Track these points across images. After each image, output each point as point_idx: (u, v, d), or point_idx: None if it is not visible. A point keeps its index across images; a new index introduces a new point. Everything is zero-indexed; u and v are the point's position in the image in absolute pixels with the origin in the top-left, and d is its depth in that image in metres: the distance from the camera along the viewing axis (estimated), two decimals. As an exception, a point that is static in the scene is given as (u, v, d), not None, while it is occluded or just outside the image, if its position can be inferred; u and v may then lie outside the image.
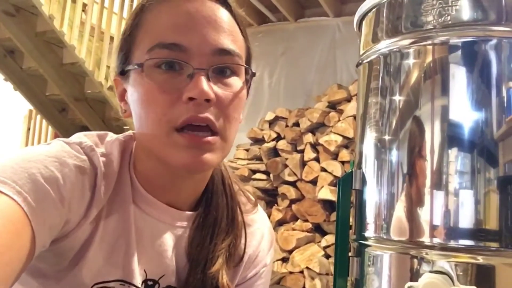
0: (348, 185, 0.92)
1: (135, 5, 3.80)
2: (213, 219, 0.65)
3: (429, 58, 0.83)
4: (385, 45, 0.89)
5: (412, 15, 0.86)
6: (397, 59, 0.88)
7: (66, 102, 3.88)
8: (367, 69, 0.95)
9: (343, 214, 0.93)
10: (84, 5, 3.48)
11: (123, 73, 0.60)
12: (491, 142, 0.78)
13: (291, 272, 3.33)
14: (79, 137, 0.61)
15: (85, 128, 4.03)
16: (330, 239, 3.34)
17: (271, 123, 3.83)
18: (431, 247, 0.77)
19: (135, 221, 0.61)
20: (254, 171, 3.86)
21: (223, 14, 0.58)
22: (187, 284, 0.63)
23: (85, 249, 0.57)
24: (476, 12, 0.81)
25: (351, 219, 0.94)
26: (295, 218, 3.62)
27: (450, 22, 0.82)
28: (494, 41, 0.80)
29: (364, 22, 0.99)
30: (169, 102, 0.54)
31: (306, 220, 3.54)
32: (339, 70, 4.05)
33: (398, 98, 0.87)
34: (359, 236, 0.89)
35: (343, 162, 3.42)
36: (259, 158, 3.79)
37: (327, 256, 3.32)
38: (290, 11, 4.06)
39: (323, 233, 3.48)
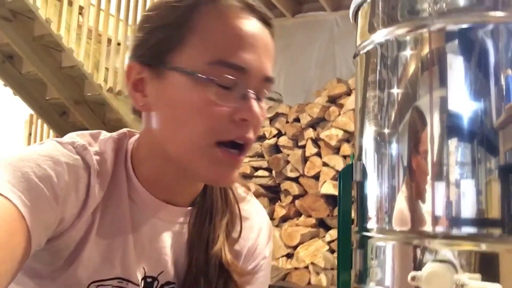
0: (348, 177, 0.91)
1: (132, 6, 3.81)
2: (210, 202, 0.66)
3: (426, 46, 0.83)
4: (382, 34, 0.88)
5: (407, 3, 0.85)
6: (394, 49, 0.87)
7: (66, 105, 3.88)
8: (364, 60, 0.94)
9: (345, 206, 0.92)
10: (81, 8, 3.48)
11: (151, 66, 0.58)
12: (491, 131, 0.78)
13: (296, 268, 3.33)
14: (71, 137, 0.61)
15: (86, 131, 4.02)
16: (334, 233, 3.34)
17: (272, 119, 3.83)
18: (434, 236, 0.76)
19: (133, 218, 0.61)
20: (256, 168, 3.86)
21: (270, 39, 0.60)
22: (189, 271, 0.63)
23: (80, 248, 0.57)
24: (472, -2, 0.81)
25: (353, 213, 0.93)
26: (298, 214, 3.62)
27: (446, 8, 0.81)
28: (490, 27, 0.79)
29: (360, 13, 0.98)
30: (221, 118, 0.55)
31: (310, 216, 3.53)
32: (338, 65, 4.04)
33: (396, 90, 0.86)
34: (361, 228, 0.89)
35: (344, 157, 3.42)
36: (260, 155, 3.79)
37: (332, 251, 3.32)
38: (287, 7, 4.05)
39: (327, 228, 3.48)
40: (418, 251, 0.78)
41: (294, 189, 3.65)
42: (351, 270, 0.89)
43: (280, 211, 3.59)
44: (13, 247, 0.47)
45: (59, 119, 4.18)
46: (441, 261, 0.73)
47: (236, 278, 0.63)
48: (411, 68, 0.85)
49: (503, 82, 0.79)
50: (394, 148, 0.84)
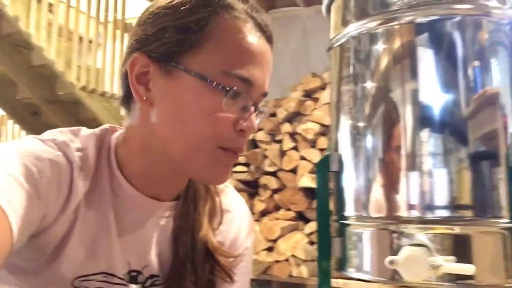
0: (325, 168, 0.93)
1: (103, 3, 3.74)
2: (193, 191, 0.68)
3: (397, 39, 0.85)
4: (354, 28, 0.90)
5: (378, -4, 0.88)
6: (366, 42, 0.89)
7: (38, 105, 3.80)
8: (338, 53, 0.96)
9: (323, 196, 0.94)
10: (50, 5, 3.40)
11: (162, 63, 0.58)
12: (460, 121, 0.81)
13: (277, 261, 3.36)
14: (51, 134, 0.60)
15: (59, 131, 3.94)
16: (313, 226, 3.38)
17: (249, 115, 3.82)
18: (409, 221, 0.79)
19: (117, 213, 0.61)
20: (235, 164, 3.85)
21: (272, 59, 0.64)
22: (174, 263, 0.64)
23: (64, 243, 0.57)
24: (440, -9, 0.83)
25: (331, 203, 0.95)
26: (277, 208, 3.65)
27: (415, 1, 0.84)
28: (457, 19, 0.82)
29: (333, 7, 1.00)
30: (226, 126, 0.57)
31: (289, 209, 3.57)
32: (313, 59, 4.08)
33: (369, 83, 0.88)
34: (340, 216, 0.91)
35: (321, 150, 3.46)
36: (238, 151, 3.79)
37: (312, 243, 3.37)
38: (261, 2, 4.05)
39: (306, 221, 3.52)
40: (395, 236, 0.80)
41: (273, 183, 3.67)
42: (331, 258, 0.92)
43: (259, 206, 3.61)
44: None
45: (31, 119, 4.08)
46: (416, 245, 0.76)
47: (222, 262, 0.65)
48: (383, 61, 0.87)
49: (470, 73, 0.82)
50: (369, 140, 0.87)
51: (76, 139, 0.61)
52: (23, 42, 3.33)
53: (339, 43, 0.95)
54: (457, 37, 0.82)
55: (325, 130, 3.49)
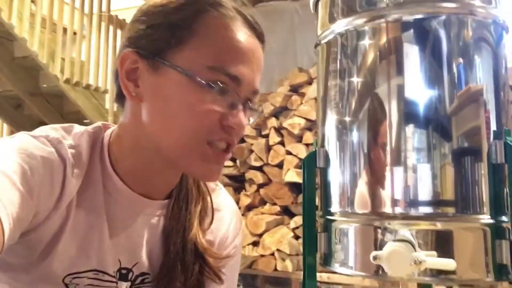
0: (312, 164, 0.94)
1: (87, -6, 3.67)
2: (185, 192, 0.69)
3: (383, 36, 0.86)
4: (342, 24, 0.91)
5: (366, -7, 0.88)
6: (353, 39, 0.90)
7: (21, 97, 3.74)
8: (325, 50, 0.97)
9: (309, 192, 0.95)
10: (33, -5, 3.34)
11: (149, 59, 0.59)
12: (444, 117, 0.82)
13: (262, 255, 3.38)
14: (44, 130, 0.60)
15: (43, 124, 3.88)
16: (298, 220, 3.41)
17: (235, 109, 3.82)
18: (393, 217, 0.80)
19: (108, 211, 0.61)
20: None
21: (262, 57, 0.65)
22: (164, 262, 0.64)
23: (55, 241, 0.57)
24: (426, -11, 0.84)
25: (317, 199, 0.96)
26: (263, 202, 3.66)
27: (401, 0, 0.84)
28: (443, 17, 0.83)
29: (320, 3, 1.00)
30: (212, 121, 0.58)
31: (275, 204, 3.58)
32: (299, 54, 4.09)
33: (356, 79, 0.89)
34: (325, 212, 0.92)
35: (307, 145, 3.48)
36: (224, 145, 3.79)
37: (297, 237, 3.39)
38: (247, -4, 4.04)
39: (292, 215, 3.54)
40: (379, 232, 0.81)
41: (259, 178, 3.68)
42: (316, 254, 0.93)
43: (245, 200, 3.62)
44: None
45: (14, 112, 4.02)
46: (400, 240, 0.77)
47: (211, 262, 0.65)
48: (370, 58, 0.88)
49: (455, 70, 0.83)
50: (355, 135, 0.88)
51: (69, 136, 0.61)
52: (5, 34, 3.27)
53: (327, 39, 0.95)
54: (442, 35, 0.83)
55: (311, 125, 3.51)
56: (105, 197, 0.60)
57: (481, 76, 0.84)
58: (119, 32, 3.91)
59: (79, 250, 0.59)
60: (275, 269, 3.35)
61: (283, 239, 3.33)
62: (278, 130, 3.67)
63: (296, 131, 3.51)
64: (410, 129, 0.82)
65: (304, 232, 0.94)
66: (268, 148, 3.67)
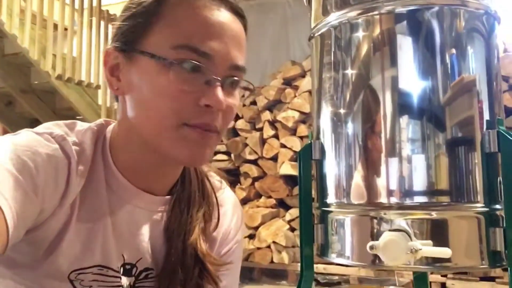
0: (308, 156, 0.95)
1: (78, -11, 3.64)
2: (188, 193, 0.68)
3: (377, 28, 0.86)
4: (335, 17, 0.91)
5: (359, -14, 0.88)
6: (347, 31, 0.90)
7: (13, 95, 3.71)
8: (319, 42, 0.97)
9: (305, 184, 0.96)
10: (23, -9, 3.31)
11: (125, 51, 0.59)
12: (438, 108, 0.82)
13: (258, 248, 3.40)
14: (48, 127, 0.60)
15: (35, 121, 3.87)
16: (294, 213, 3.43)
17: (228, 103, 3.83)
18: (389, 207, 0.81)
19: (111, 207, 0.61)
20: (215, 152, 3.86)
21: (241, 30, 0.62)
22: (167, 259, 0.65)
23: (60, 237, 0.57)
24: (419, -20, 0.85)
25: (313, 191, 0.97)
26: (258, 196, 3.68)
27: (394, -9, 0.85)
28: (436, 9, 0.84)
29: (313, -4, 1.00)
30: (186, 101, 0.56)
31: (270, 196, 3.60)
32: (292, 47, 4.09)
33: (350, 71, 0.89)
34: (322, 203, 0.93)
35: (301, 137, 3.49)
36: (218, 139, 3.80)
37: (292, 229, 3.41)
38: (239, -11, 4.02)
39: (287, 208, 3.56)
40: (375, 222, 0.82)
41: (253, 171, 3.69)
42: (313, 245, 0.93)
43: (240, 194, 3.63)
44: None
45: (5, 109, 3.99)
46: (396, 230, 0.78)
47: (210, 268, 0.65)
48: (364, 50, 0.88)
49: (448, 61, 0.84)
50: (350, 127, 0.88)
51: (72, 133, 0.61)
52: (-5, 30, 3.23)
53: (320, 32, 0.95)
54: (435, 26, 0.84)
55: (305, 118, 3.52)
56: (108, 193, 0.60)
57: (474, 66, 0.85)
58: (110, 27, 3.88)
59: (83, 246, 0.59)
60: (272, 261, 3.37)
61: (279, 231, 3.34)
62: (272, 123, 3.68)
63: (290, 124, 3.51)
64: (404, 120, 0.83)
65: (301, 224, 0.95)
66: (263, 141, 3.68)
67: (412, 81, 0.84)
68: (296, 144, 3.47)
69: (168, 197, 0.67)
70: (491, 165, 0.80)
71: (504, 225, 0.77)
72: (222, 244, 0.72)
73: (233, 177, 3.80)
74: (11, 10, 3.19)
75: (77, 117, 3.75)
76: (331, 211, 0.90)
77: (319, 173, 0.94)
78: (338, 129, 0.90)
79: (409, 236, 0.77)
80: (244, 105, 3.80)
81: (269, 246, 3.38)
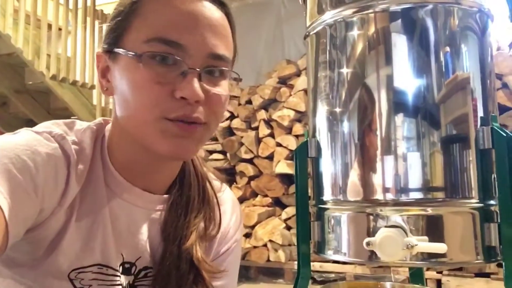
0: (304, 154, 0.95)
1: (71, -12, 3.63)
2: (186, 198, 0.68)
3: (372, 27, 0.87)
4: (330, 15, 0.92)
5: (353, -15, 0.89)
6: (342, 29, 0.91)
7: (7, 95, 3.69)
8: (314, 41, 0.97)
9: (301, 182, 0.96)
10: (17, -9, 3.29)
11: (111, 52, 0.60)
12: (433, 105, 0.83)
13: (255, 247, 3.40)
14: (47, 126, 0.60)
15: (29, 121, 3.85)
16: (290, 211, 3.43)
17: (224, 102, 3.83)
18: (385, 204, 0.82)
19: (110, 206, 0.61)
20: (211, 152, 3.87)
21: (221, 18, 0.60)
22: (163, 261, 0.65)
23: (60, 237, 0.57)
24: (413, -21, 0.85)
25: (309, 189, 0.97)
26: (254, 194, 3.68)
27: (389, -10, 0.85)
28: (430, 7, 0.84)
29: (308, -6, 1.01)
30: (162, 94, 0.56)
31: (266, 195, 3.60)
32: (287, 46, 4.09)
33: (345, 69, 0.90)
34: (318, 201, 0.93)
35: (297, 136, 3.50)
36: (214, 139, 3.80)
37: (289, 228, 3.42)
38: (234, -12, 4.02)
39: (283, 206, 3.57)
40: (371, 218, 0.83)
41: (249, 170, 3.70)
42: (310, 242, 0.94)
43: (236, 193, 3.63)
44: None
45: (-1, 110, 3.96)
46: (392, 226, 0.78)
47: (205, 275, 0.65)
48: (359, 48, 0.89)
49: (442, 59, 0.85)
50: (345, 125, 0.89)
51: (71, 132, 0.61)
52: (-12, 30, 3.21)
53: (316, 30, 0.96)
54: (429, 24, 0.85)
55: (300, 117, 3.53)
56: (107, 192, 0.61)
57: (468, 64, 0.86)
58: (104, 27, 3.87)
59: (83, 244, 0.59)
60: (268, 260, 3.38)
61: (275, 230, 3.35)
62: (268, 122, 3.68)
63: (285, 123, 3.52)
64: (399, 118, 0.84)
65: (298, 221, 0.96)
66: (258, 140, 3.68)
67: (406, 79, 0.85)
68: (291, 143, 3.48)
69: (166, 196, 0.67)
70: (485, 161, 0.81)
71: (499, 221, 0.78)
72: (221, 243, 0.72)
73: (229, 176, 3.80)
74: (4, 10, 3.17)
75: (72, 117, 3.73)
76: (327, 209, 0.91)
77: (315, 171, 0.95)
78: (334, 127, 0.91)
79: (405, 232, 0.78)
80: (239, 104, 3.80)
81: (265, 245, 3.39)
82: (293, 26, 3.91)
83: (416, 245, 0.74)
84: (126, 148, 0.62)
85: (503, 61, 3.14)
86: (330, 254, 0.89)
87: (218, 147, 3.81)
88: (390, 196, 0.82)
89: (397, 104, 0.84)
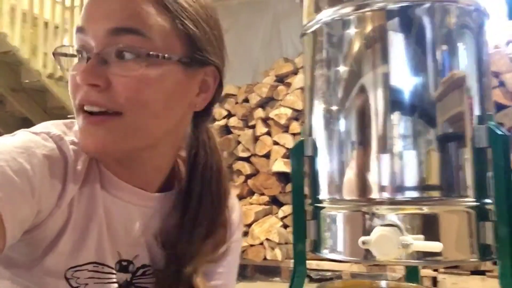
0: (300, 152, 0.95)
1: (68, -14, 3.61)
2: (192, 223, 0.65)
3: (369, 25, 0.87)
4: (327, 14, 0.91)
5: (350, -17, 0.89)
6: (339, 28, 0.90)
7: (3, 94, 3.67)
8: (311, 39, 0.97)
9: (298, 181, 0.96)
10: (12, -11, 3.27)
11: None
12: (429, 104, 0.83)
13: (251, 245, 3.40)
14: (46, 126, 0.60)
15: (26, 120, 3.83)
16: (287, 209, 3.44)
17: (221, 101, 3.83)
18: (381, 203, 0.82)
19: (105, 204, 0.61)
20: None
21: None
22: (161, 263, 0.65)
23: (58, 238, 0.57)
24: (410, -23, 0.85)
25: (305, 188, 0.97)
26: (251, 193, 3.68)
27: (385, -12, 0.85)
28: (427, 5, 0.84)
29: (305, -7, 1.00)
30: (74, 85, 0.56)
31: (263, 194, 3.60)
32: (284, 44, 4.09)
33: (342, 68, 0.90)
34: (314, 200, 0.93)
35: (294, 134, 3.50)
36: (211, 137, 3.80)
37: (285, 226, 3.42)
38: (231, -14, 4.01)
39: (280, 205, 3.57)
40: (367, 217, 0.83)
41: (246, 168, 3.69)
42: (306, 240, 0.94)
43: (233, 191, 3.63)
44: None
45: (-5, 109, 3.94)
46: (388, 225, 0.78)
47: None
48: (356, 46, 0.89)
49: (439, 57, 0.85)
50: (342, 124, 0.89)
51: (70, 132, 0.61)
52: (-16, 28, 3.20)
53: (312, 29, 0.96)
54: (426, 23, 0.85)
55: (297, 115, 3.52)
56: (102, 191, 0.60)
57: (464, 62, 0.86)
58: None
59: (79, 244, 0.58)
60: (265, 258, 3.38)
61: (272, 228, 3.35)
62: (265, 120, 3.68)
63: (282, 121, 3.52)
64: (395, 116, 0.84)
65: (294, 220, 0.96)
66: (255, 138, 3.68)
67: (403, 77, 0.85)
68: (288, 141, 3.48)
69: (160, 194, 0.66)
70: (481, 160, 0.81)
71: (495, 219, 0.79)
72: None
73: (226, 174, 3.80)
74: (1, 8, 3.16)
75: (68, 116, 3.72)
76: (323, 207, 0.91)
77: (311, 169, 0.95)
78: (331, 125, 0.91)
79: (401, 230, 0.78)
80: (236, 103, 3.80)
81: (262, 243, 3.39)
82: (290, 24, 3.91)
83: (411, 243, 0.74)
84: None
85: (500, 59, 3.14)
86: (326, 253, 0.89)
87: (215, 145, 3.81)
88: (386, 194, 0.82)
89: (394, 102, 0.84)
